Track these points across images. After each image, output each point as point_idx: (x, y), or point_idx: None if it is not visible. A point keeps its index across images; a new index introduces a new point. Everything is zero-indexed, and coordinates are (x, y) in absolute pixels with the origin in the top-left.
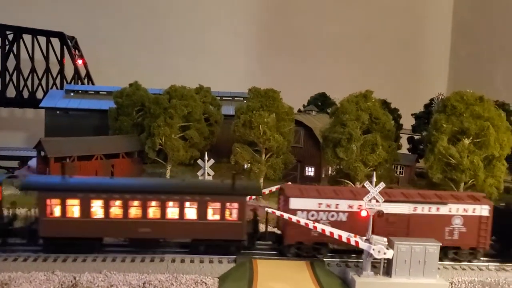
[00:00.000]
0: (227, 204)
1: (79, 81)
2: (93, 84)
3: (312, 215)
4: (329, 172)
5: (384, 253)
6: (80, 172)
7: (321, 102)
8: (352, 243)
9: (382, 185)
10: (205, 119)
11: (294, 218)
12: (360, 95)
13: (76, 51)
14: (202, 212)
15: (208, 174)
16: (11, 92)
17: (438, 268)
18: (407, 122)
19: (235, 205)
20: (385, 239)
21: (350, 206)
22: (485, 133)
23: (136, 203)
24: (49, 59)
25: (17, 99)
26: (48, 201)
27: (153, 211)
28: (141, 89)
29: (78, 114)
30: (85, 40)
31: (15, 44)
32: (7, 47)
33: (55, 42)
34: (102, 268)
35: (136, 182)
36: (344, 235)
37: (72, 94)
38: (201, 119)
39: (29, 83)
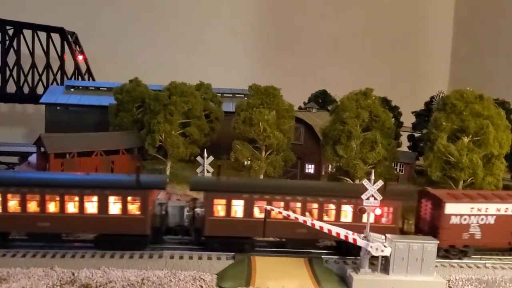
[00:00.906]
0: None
1: (79, 77)
2: (93, 80)
3: (464, 219)
4: (329, 170)
5: (382, 251)
6: (80, 168)
7: (321, 99)
8: (350, 240)
9: (380, 183)
10: (205, 116)
11: (292, 216)
12: (360, 93)
13: (77, 46)
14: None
15: (208, 171)
16: (11, 88)
17: (436, 266)
18: (408, 120)
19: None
20: (383, 237)
21: (498, 210)
22: (484, 132)
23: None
24: (49, 55)
25: (17, 94)
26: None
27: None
28: (141, 86)
29: (78, 110)
30: (86, 36)
31: (15, 39)
32: (7, 42)
33: (56, 37)
34: (101, 264)
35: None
36: (342, 232)
37: (72, 90)
38: (202, 115)
39: (29, 78)
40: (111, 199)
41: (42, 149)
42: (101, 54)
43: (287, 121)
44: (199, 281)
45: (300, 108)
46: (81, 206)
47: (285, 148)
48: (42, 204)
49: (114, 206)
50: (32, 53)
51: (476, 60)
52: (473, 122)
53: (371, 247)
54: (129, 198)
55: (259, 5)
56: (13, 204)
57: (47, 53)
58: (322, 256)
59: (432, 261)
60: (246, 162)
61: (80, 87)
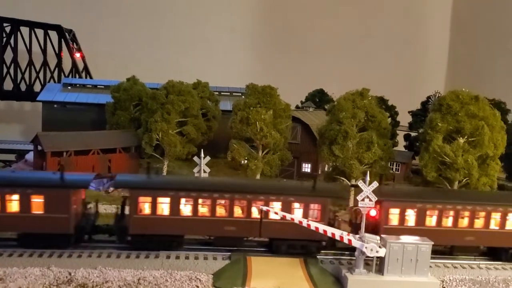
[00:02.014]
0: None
1: (76, 74)
2: (91, 78)
3: None
4: (325, 169)
5: (377, 251)
6: (77, 167)
7: (318, 98)
8: (345, 241)
9: (375, 184)
10: (202, 114)
11: (289, 216)
12: (357, 93)
13: (74, 44)
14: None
15: (204, 171)
16: (8, 85)
17: (430, 267)
18: (404, 119)
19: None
20: (378, 238)
21: None
22: (479, 132)
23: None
24: (46, 52)
25: (14, 92)
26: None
27: None
28: (139, 84)
29: (75, 107)
30: (83, 34)
31: (13, 36)
32: (5, 39)
33: (53, 35)
34: (97, 264)
35: None
36: (337, 233)
37: (69, 87)
38: (199, 114)
39: (26, 76)
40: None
41: (39, 148)
42: (98, 52)
43: (284, 121)
44: (195, 281)
45: (297, 107)
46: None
47: (281, 147)
48: None
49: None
50: (29, 51)
51: (472, 60)
52: (469, 123)
53: (366, 247)
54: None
55: (257, 4)
56: None
57: (44, 51)
58: (318, 257)
59: (426, 262)
60: (243, 161)
61: (78, 85)
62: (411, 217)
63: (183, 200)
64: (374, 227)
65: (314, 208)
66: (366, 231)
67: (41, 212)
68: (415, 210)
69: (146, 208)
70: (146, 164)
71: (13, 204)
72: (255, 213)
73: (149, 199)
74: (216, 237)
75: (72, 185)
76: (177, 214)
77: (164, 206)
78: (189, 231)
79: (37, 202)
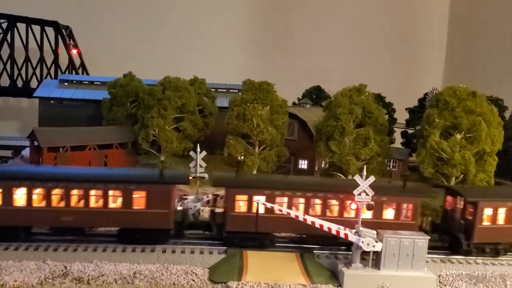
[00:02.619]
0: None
1: (73, 71)
2: (87, 74)
3: None
4: (322, 165)
5: (373, 246)
6: (74, 162)
7: (315, 95)
8: (342, 235)
9: (372, 178)
10: (199, 111)
11: (288, 211)
12: (354, 89)
13: (71, 40)
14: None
15: (200, 166)
16: (5, 81)
17: (427, 261)
18: (401, 116)
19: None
20: (374, 232)
21: None
22: (477, 128)
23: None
24: (43, 48)
25: (11, 88)
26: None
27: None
28: (135, 80)
29: (72, 104)
30: (80, 30)
31: (9, 32)
32: (1, 35)
33: (50, 31)
34: (93, 257)
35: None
36: (334, 227)
37: (66, 84)
38: (195, 110)
39: (23, 72)
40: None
41: (36, 143)
42: (95, 48)
43: (280, 117)
44: (191, 275)
45: (294, 103)
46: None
47: (278, 143)
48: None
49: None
50: (26, 47)
51: (470, 57)
52: (466, 119)
53: (362, 242)
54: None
55: (254, 1)
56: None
57: (41, 47)
58: (314, 251)
59: (423, 257)
60: (239, 157)
61: (74, 81)
62: (501, 215)
63: (278, 199)
64: (467, 228)
65: (408, 208)
66: (459, 232)
67: (142, 207)
68: (506, 209)
69: (242, 206)
70: None
71: (114, 199)
72: (349, 212)
73: (245, 197)
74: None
75: (173, 181)
76: (271, 212)
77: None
78: (282, 229)
79: (139, 198)
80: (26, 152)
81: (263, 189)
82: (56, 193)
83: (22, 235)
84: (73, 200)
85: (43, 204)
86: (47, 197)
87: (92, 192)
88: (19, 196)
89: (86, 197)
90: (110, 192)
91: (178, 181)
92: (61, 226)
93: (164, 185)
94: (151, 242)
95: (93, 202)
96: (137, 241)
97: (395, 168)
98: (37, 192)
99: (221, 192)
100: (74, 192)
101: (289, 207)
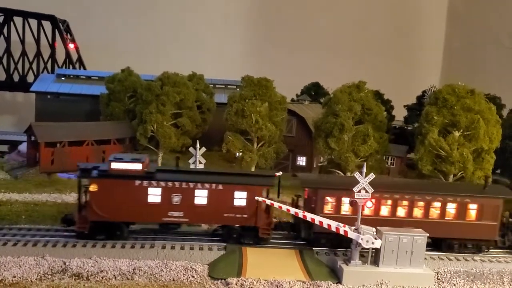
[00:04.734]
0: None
1: (70, 65)
2: (84, 69)
3: None
4: (320, 162)
5: (372, 243)
6: (71, 158)
7: (314, 92)
8: (341, 232)
9: (372, 175)
10: (197, 107)
11: (287, 208)
12: (353, 85)
13: (68, 35)
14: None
15: (200, 162)
16: (1, 75)
17: (425, 258)
18: (400, 113)
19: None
20: (374, 229)
21: None
22: (475, 126)
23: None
24: (40, 43)
25: (7, 82)
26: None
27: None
28: (133, 75)
29: (69, 98)
30: (77, 25)
31: (6, 26)
32: None
33: (47, 25)
34: (92, 253)
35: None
36: (333, 224)
37: (63, 78)
38: (194, 106)
39: (19, 66)
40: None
41: (33, 138)
42: (92, 42)
43: (279, 113)
44: (190, 271)
45: (292, 100)
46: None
47: (277, 140)
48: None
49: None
50: (22, 41)
51: (468, 55)
52: (464, 117)
53: (361, 239)
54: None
55: None
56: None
57: (37, 41)
58: (313, 248)
59: (421, 254)
60: (238, 154)
61: (71, 76)
62: None
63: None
64: None
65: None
66: None
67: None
68: None
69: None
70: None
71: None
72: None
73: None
74: None
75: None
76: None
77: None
78: None
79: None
80: (22, 147)
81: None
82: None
83: None
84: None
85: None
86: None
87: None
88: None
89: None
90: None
91: None
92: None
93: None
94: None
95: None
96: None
97: (393, 165)
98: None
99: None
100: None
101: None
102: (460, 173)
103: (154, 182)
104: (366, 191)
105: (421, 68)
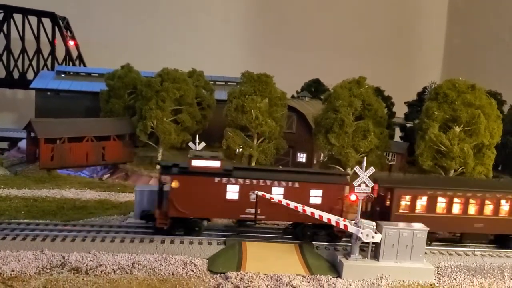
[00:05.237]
0: None
1: (70, 62)
2: (84, 65)
3: None
4: (321, 158)
5: (372, 237)
6: (71, 154)
7: (314, 88)
8: (341, 226)
9: (372, 169)
10: (197, 103)
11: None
12: (353, 81)
13: (68, 32)
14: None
15: None
16: (1, 72)
17: (425, 253)
18: (400, 110)
19: None
20: (374, 223)
21: None
22: (476, 121)
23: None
24: (40, 40)
25: (7, 79)
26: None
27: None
28: (133, 72)
29: (69, 95)
30: (77, 22)
31: (5, 23)
32: None
33: (46, 22)
34: (91, 248)
35: None
36: (333, 218)
37: (63, 75)
38: (194, 102)
39: (19, 63)
40: None
41: (32, 134)
42: (92, 39)
43: (279, 109)
44: (189, 265)
45: (292, 97)
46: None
47: (277, 136)
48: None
49: None
50: (22, 38)
51: (469, 52)
52: (465, 112)
53: (361, 233)
54: None
55: None
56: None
57: (37, 38)
58: (313, 243)
59: (421, 248)
60: (238, 150)
61: (71, 73)
62: None
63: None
64: None
65: None
66: None
67: None
68: None
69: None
70: None
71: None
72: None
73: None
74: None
75: None
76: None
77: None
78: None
79: None
80: (22, 144)
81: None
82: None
83: None
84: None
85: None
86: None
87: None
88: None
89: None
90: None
91: None
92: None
93: None
94: None
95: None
96: None
97: (393, 161)
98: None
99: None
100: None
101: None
102: (460, 169)
103: (232, 180)
104: (366, 185)
105: (421, 65)
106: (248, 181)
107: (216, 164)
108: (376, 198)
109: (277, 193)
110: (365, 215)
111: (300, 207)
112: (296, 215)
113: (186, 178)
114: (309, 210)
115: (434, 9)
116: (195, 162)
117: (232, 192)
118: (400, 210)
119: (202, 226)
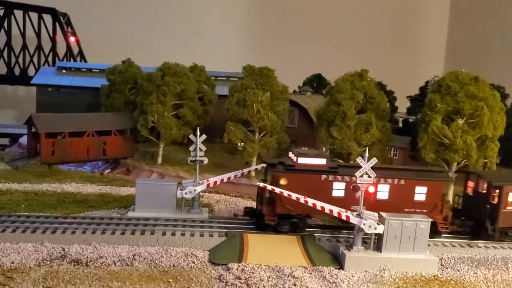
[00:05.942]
0: None
1: (71, 58)
2: (85, 61)
3: None
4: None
5: (375, 228)
6: (72, 149)
7: (316, 83)
8: (343, 217)
9: (374, 160)
10: (199, 98)
11: (285, 193)
12: (356, 74)
13: (69, 28)
14: None
15: (200, 150)
16: (2, 69)
17: (428, 245)
18: (403, 105)
19: None
20: (376, 214)
21: None
22: (479, 113)
23: None
24: (41, 36)
25: (8, 76)
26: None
27: None
28: (134, 67)
29: (70, 91)
30: (78, 18)
31: (6, 20)
32: None
33: (47, 18)
34: (92, 240)
35: None
36: (335, 209)
37: (64, 71)
38: (195, 97)
39: (20, 60)
40: None
41: (33, 129)
42: (93, 36)
43: (281, 103)
44: (191, 257)
45: (294, 91)
46: None
47: (279, 130)
48: None
49: None
50: (23, 34)
51: (471, 46)
52: (468, 104)
53: (364, 224)
54: None
55: None
56: None
57: (38, 34)
58: (315, 234)
59: (425, 239)
60: (239, 144)
61: (72, 69)
62: None
63: None
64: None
65: None
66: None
67: None
68: None
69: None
70: None
71: None
72: None
73: None
74: None
75: None
76: None
77: None
78: None
79: None
80: (23, 140)
81: None
82: None
83: None
84: None
85: None
86: None
87: None
88: None
89: None
90: None
91: None
92: None
93: None
94: None
95: None
96: None
97: (396, 156)
98: None
99: None
100: None
101: None
102: (463, 161)
103: (339, 177)
104: (369, 176)
105: (424, 60)
106: (354, 178)
107: (322, 161)
108: (476, 194)
109: (383, 190)
110: (458, 212)
111: (310, 202)
112: (401, 213)
113: (293, 176)
114: (319, 205)
115: (436, 4)
116: (301, 160)
117: (338, 189)
118: (508, 208)
119: (306, 222)
